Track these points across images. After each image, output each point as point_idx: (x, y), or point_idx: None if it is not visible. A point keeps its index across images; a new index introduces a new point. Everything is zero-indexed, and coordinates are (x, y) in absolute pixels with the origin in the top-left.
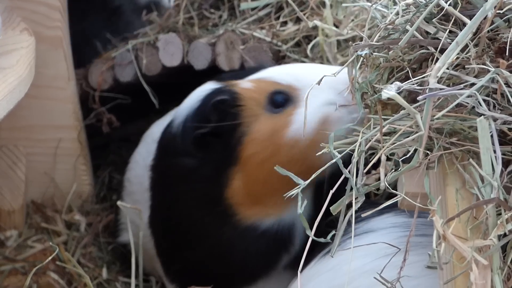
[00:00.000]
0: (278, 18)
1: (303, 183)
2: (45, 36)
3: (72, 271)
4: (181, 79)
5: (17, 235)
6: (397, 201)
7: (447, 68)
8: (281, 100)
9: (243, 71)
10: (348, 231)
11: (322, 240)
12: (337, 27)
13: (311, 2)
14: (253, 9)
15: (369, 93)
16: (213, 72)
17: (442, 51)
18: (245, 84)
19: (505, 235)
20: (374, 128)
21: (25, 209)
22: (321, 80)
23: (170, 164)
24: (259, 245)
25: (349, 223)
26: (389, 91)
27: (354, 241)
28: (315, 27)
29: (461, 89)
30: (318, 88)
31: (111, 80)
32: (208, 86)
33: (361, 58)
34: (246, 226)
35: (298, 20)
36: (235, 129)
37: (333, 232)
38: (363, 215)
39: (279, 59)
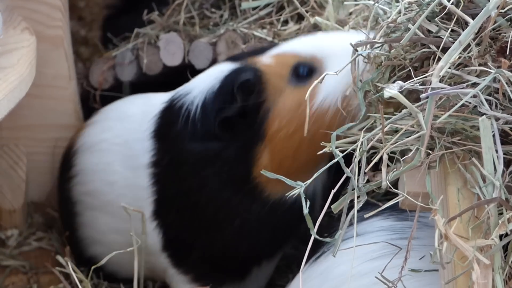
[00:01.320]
0: (279, 17)
1: (303, 185)
2: (46, 35)
3: (73, 270)
4: (182, 78)
5: (18, 234)
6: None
7: (449, 68)
8: (305, 72)
9: (258, 49)
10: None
11: (327, 239)
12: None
13: (312, 1)
14: (254, 8)
15: (371, 91)
16: None
17: (443, 49)
18: (266, 60)
19: (506, 234)
20: (375, 127)
21: (26, 208)
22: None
23: (186, 152)
24: (287, 218)
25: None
26: (391, 90)
27: (341, 245)
28: (317, 26)
29: (463, 88)
30: (341, 57)
31: (112, 80)
32: (225, 67)
33: (362, 57)
34: (274, 201)
35: (299, 20)
36: (260, 106)
37: (339, 231)
38: (365, 216)
39: None
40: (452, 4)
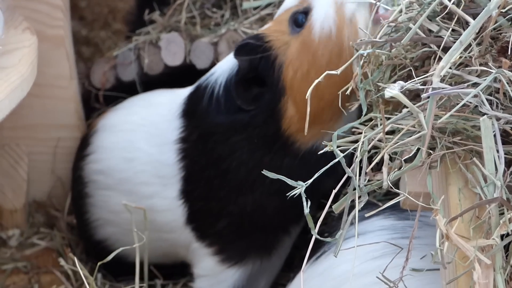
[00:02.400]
0: None
1: (303, 185)
2: (47, 35)
3: (74, 270)
4: (183, 78)
5: (19, 234)
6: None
7: (450, 68)
8: (302, 18)
9: None
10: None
11: (328, 239)
12: None
13: None
14: (255, 8)
15: (372, 91)
16: None
17: (444, 49)
18: (265, 26)
19: (507, 234)
20: (377, 126)
21: (27, 208)
22: None
23: (214, 125)
24: (317, 169)
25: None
26: (392, 90)
27: (342, 245)
28: None
29: (464, 88)
30: None
31: (113, 79)
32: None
33: (363, 56)
34: (305, 152)
35: None
36: (272, 65)
37: (341, 231)
38: (366, 215)
39: None
40: (453, 3)
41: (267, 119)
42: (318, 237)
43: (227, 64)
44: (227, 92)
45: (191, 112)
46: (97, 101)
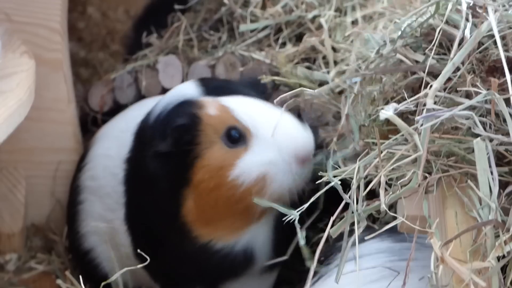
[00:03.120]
0: (277, 39)
1: (296, 213)
2: (45, 59)
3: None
4: None
5: (16, 258)
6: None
7: (441, 91)
8: (236, 136)
9: (230, 83)
10: (333, 259)
11: (321, 267)
12: (335, 49)
13: (309, 23)
14: (252, 31)
15: (365, 122)
16: None
17: (430, 74)
18: (210, 110)
19: (503, 256)
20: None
21: (25, 232)
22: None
23: (142, 161)
24: (215, 262)
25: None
26: (387, 111)
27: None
28: (314, 49)
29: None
30: (268, 142)
31: (111, 102)
32: (185, 91)
33: (353, 91)
34: (202, 243)
35: (297, 41)
36: (190, 150)
37: (340, 255)
38: (366, 238)
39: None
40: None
41: (170, 192)
42: (313, 266)
43: (168, 97)
44: (153, 129)
45: (138, 134)
46: (95, 124)
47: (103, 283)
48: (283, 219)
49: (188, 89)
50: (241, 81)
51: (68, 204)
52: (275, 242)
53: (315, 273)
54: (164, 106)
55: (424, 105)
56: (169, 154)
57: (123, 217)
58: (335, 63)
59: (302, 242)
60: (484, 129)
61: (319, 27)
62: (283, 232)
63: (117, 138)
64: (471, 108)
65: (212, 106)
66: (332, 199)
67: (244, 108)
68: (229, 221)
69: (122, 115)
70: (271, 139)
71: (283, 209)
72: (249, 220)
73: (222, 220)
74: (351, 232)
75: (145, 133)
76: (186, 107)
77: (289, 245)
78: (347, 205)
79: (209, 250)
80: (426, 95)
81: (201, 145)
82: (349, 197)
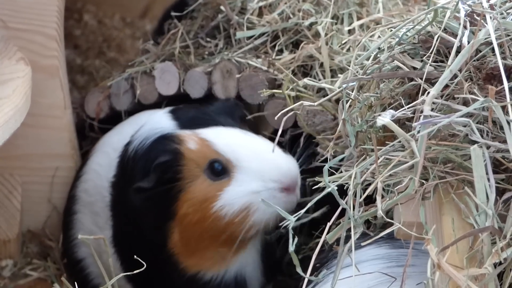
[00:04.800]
0: (274, 46)
1: (293, 219)
2: (41, 65)
3: None
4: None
5: (12, 264)
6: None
7: (436, 98)
8: (219, 168)
9: (204, 113)
10: (329, 266)
11: (313, 278)
12: (332, 57)
13: (306, 30)
14: (249, 38)
15: (362, 128)
16: (209, 100)
17: (428, 81)
18: (190, 144)
19: (500, 263)
20: (367, 157)
21: (21, 238)
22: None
23: (125, 191)
24: None
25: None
26: (384, 118)
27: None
28: (311, 56)
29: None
30: (251, 172)
31: (107, 109)
32: (160, 124)
33: (350, 97)
34: (191, 275)
35: (294, 48)
36: (174, 185)
37: (324, 270)
38: (362, 244)
39: (275, 87)
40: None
41: (155, 224)
42: (309, 277)
43: (146, 128)
44: (132, 162)
45: (121, 161)
46: (91, 131)
47: None
48: (269, 237)
49: (163, 122)
50: (215, 108)
51: (65, 211)
52: (264, 265)
53: (311, 280)
54: (141, 140)
55: (421, 111)
56: (153, 189)
57: (110, 238)
58: (332, 70)
59: (291, 248)
60: (481, 136)
61: (316, 34)
62: (270, 255)
63: (107, 155)
64: (468, 115)
65: (191, 140)
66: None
67: (224, 140)
68: (215, 252)
69: (118, 128)
70: (254, 169)
71: (282, 213)
72: (236, 248)
73: (209, 251)
74: (348, 239)
75: (126, 164)
76: (165, 142)
77: (277, 266)
78: (343, 211)
79: (198, 282)
80: (423, 102)
81: (184, 180)
82: (346, 203)
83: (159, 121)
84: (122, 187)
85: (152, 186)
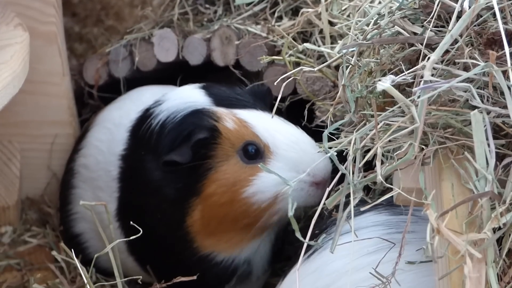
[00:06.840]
0: (273, 13)
1: (292, 184)
2: (39, 32)
3: (68, 263)
4: (176, 74)
5: (11, 231)
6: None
7: (437, 63)
8: (252, 151)
9: (236, 93)
10: (329, 232)
11: (312, 242)
12: (331, 23)
13: None
14: (248, 4)
15: (362, 94)
16: (208, 67)
17: (428, 46)
18: (229, 123)
19: (499, 228)
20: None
21: (20, 205)
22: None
23: (142, 163)
24: (213, 274)
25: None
26: (384, 83)
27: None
28: (311, 22)
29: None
30: (287, 161)
31: (106, 76)
32: (193, 99)
33: (350, 62)
34: (202, 255)
35: (293, 15)
36: (204, 163)
37: (324, 235)
38: (362, 209)
39: (275, 54)
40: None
41: (176, 199)
42: (308, 242)
43: (175, 102)
44: (157, 144)
45: (135, 132)
46: (90, 98)
47: (96, 255)
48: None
49: (195, 97)
50: (249, 91)
51: (62, 184)
52: (271, 254)
53: (310, 247)
54: (172, 112)
55: (422, 77)
56: (185, 164)
57: (115, 211)
58: (332, 37)
59: (290, 213)
60: (482, 101)
61: (316, 0)
62: (279, 245)
63: (109, 131)
64: (469, 80)
65: (229, 118)
66: None
67: (263, 124)
68: (233, 235)
69: (117, 104)
70: (291, 159)
71: (282, 178)
72: (253, 235)
73: (227, 234)
74: (347, 205)
75: (145, 135)
76: (202, 117)
77: (278, 254)
78: (343, 177)
79: (209, 262)
80: (423, 67)
81: (216, 158)
82: (345, 168)
83: (191, 96)
84: (136, 159)
85: (186, 161)
